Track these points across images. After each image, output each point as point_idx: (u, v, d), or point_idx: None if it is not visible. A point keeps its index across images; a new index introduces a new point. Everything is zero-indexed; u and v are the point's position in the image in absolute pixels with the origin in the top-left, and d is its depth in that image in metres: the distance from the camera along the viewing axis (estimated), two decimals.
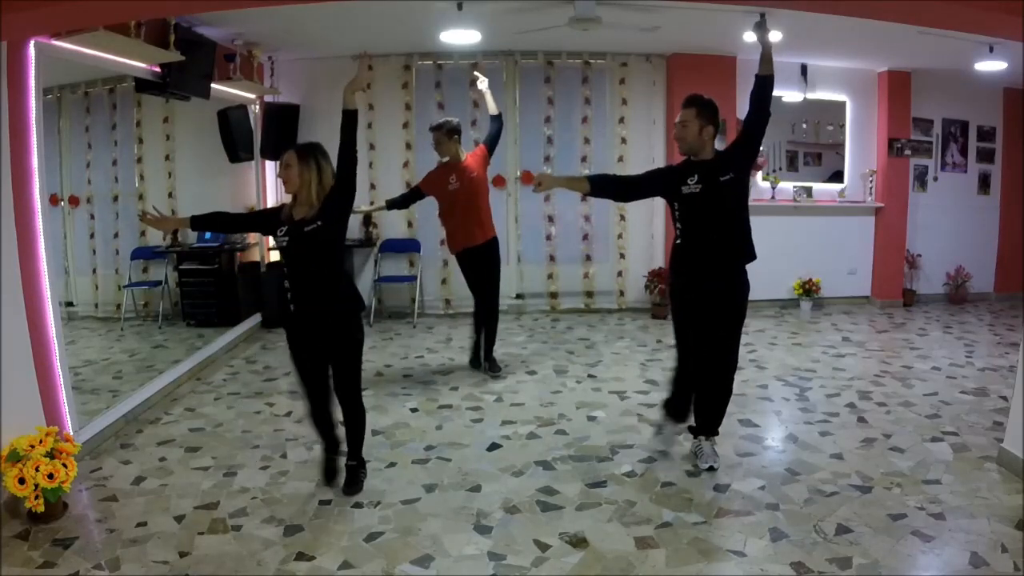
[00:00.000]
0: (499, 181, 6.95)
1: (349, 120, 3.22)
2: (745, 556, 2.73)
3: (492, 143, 4.93)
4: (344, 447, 3.38)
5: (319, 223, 3.08)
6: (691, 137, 3.32)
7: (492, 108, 4.95)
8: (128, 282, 5.45)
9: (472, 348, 5.23)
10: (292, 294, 3.15)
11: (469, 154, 4.87)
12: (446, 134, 4.73)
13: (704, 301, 3.37)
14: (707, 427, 3.53)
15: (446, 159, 4.80)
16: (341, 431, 3.38)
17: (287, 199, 3.22)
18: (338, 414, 3.36)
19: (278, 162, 3.20)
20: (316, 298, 3.14)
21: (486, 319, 5.02)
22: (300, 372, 3.32)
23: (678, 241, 3.42)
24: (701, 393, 3.51)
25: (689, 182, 3.30)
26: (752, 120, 3.38)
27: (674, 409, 3.73)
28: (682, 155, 3.42)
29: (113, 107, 5.11)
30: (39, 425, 3.24)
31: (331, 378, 3.28)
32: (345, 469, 3.37)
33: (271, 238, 3.25)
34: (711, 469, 3.44)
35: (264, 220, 3.34)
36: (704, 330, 3.38)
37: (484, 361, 5.08)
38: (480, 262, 4.92)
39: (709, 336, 3.37)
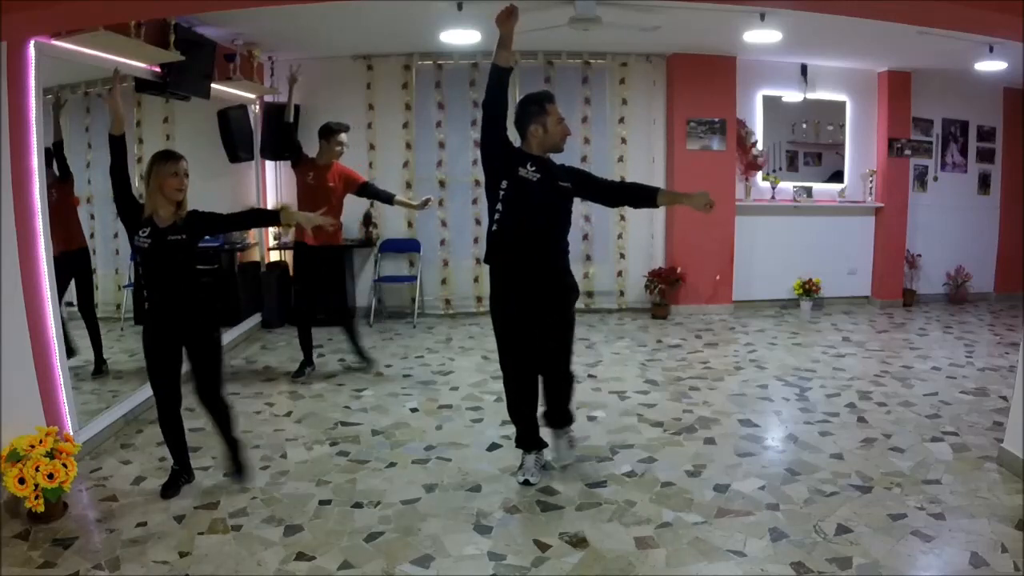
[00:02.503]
0: None
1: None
2: (745, 556, 2.73)
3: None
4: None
5: (183, 236, 3.15)
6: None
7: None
8: (128, 282, 5.44)
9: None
10: (148, 295, 3.20)
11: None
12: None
13: None
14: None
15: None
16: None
17: (158, 202, 3.15)
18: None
19: (175, 168, 3.13)
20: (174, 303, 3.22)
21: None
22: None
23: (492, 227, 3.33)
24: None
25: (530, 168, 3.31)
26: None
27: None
28: (555, 153, 3.36)
29: None
30: (39, 425, 3.24)
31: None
32: (232, 461, 3.42)
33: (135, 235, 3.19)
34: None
35: (132, 208, 3.21)
36: None
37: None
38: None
39: None
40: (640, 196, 3.34)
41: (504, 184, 3.21)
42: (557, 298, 3.31)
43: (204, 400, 3.32)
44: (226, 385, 3.41)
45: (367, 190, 5.06)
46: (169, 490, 3.29)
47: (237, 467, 3.41)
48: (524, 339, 3.29)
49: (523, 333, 3.29)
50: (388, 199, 5.11)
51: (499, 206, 3.21)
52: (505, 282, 3.28)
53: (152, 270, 3.17)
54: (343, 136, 4.89)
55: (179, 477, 3.37)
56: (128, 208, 3.21)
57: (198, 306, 3.26)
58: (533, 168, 3.21)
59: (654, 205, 3.29)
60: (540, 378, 3.40)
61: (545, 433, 3.51)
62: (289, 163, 4.97)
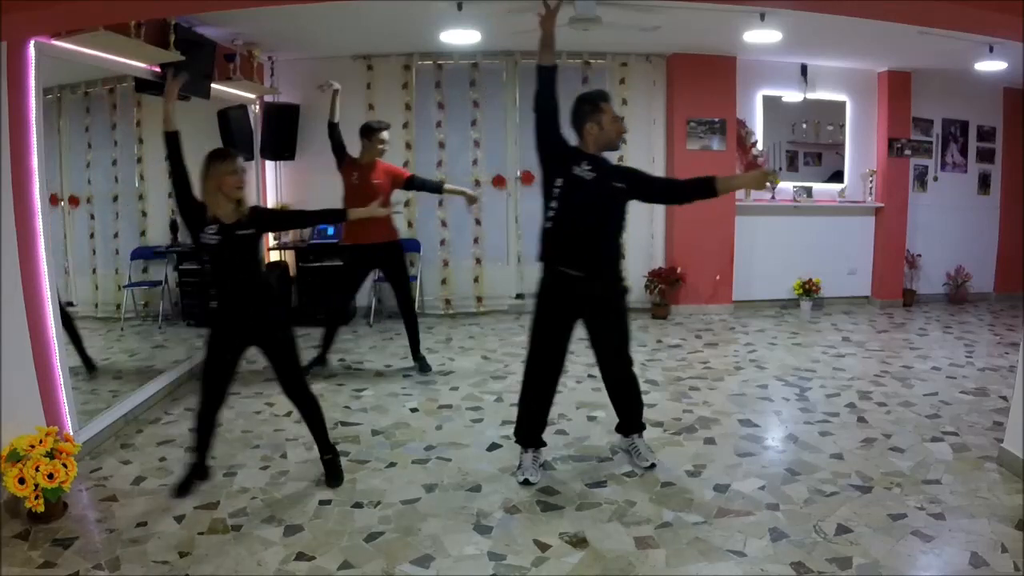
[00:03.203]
0: (499, 181, 6.96)
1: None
2: (745, 556, 2.73)
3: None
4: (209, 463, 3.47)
5: (252, 230, 3.18)
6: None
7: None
8: (128, 282, 5.44)
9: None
10: (218, 293, 3.19)
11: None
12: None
13: None
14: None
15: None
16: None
17: (219, 202, 3.14)
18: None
19: (232, 166, 3.13)
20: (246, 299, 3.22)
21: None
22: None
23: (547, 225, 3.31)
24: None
25: (586, 167, 3.30)
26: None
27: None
28: (610, 150, 3.36)
29: (113, 107, 5.10)
30: (39, 425, 3.24)
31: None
32: (325, 463, 3.43)
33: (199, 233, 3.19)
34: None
35: (195, 206, 3.20)
36: None
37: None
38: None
39: None
40: (699, 189, 3.25)
41: (559, 182, 3.22)
42: (605, 300, 3.33)
43: (292, 395, 3.35)
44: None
45: (414, 183, 5.09)
46: (183, 489, 3.30)
47: (331, 471, 3.42)
48: (560, 338, 3.32)
49: (561, 332, 3.32)
50: (437, 188, 5.19)
51: (553, 203, 3.22)
52: (553, 278, 3.28)
53: (221, 267, 3.16)
54: (384, 134, 4.89)
55: (195, 475, 3.38)
56: (190, 206, 3.19)
57: (268, 301, 3.28)
58: (588, 167, 3.22)
59: (715, 194, 3.22)
60: (606, 387, 3.53)
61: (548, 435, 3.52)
62: (335, 165, 4.95)
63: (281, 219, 3.40)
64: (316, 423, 3.41)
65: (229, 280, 3.19)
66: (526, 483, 3.34)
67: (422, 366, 5.14)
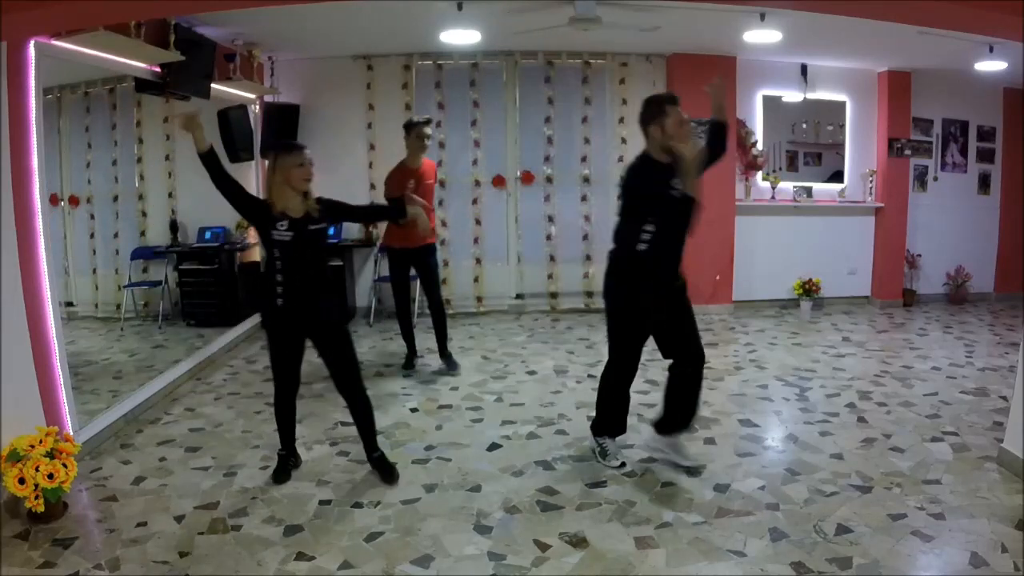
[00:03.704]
0: (499, 181, 6.96)
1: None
2: (745, 556, 2.73)
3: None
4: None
5: (323, 224, 3.21)
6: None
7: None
8: (128, 282, 5.44)
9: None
10: (284, 290, 3.19)
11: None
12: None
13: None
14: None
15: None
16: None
17: (287, 195, 3.16)
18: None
19: (300, 159, 3.14)
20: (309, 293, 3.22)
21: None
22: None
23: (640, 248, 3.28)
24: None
25: (676, 185, 3.25)
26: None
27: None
28: (672, 154, 3.31)
29: (113, 107, 5.11)
30: (39, 425, 3.25)
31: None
32: (374, 462, 3.45)
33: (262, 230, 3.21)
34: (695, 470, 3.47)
35: (256, 206, 3.23)
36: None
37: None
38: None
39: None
40: (715, 138, 3.54)
41: (656, 206, 3.25)
42: (683, 299, 3.46)
43: (346, 391, 3.37)
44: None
45: None
46: (281, 475, 3.36)
47: (383, 469, 3.43)
48: (646, 335, 3.46)
49: (649, 330, 3.47)
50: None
51: (650, 227, 3.25)
52: (649, 287, 3.34)
53: (293, 262, 3.16)
54: (427, 128, 4.82)
55: (287, 462, 3.43)
56: (251, 207, 3.21)
57: (332, 296, 3.32)
58: (677, 182, 3.24)
59: (724, 130, 3.47)
60: (676, 385, 3.55)
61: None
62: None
63: (346, 211, 3.40)
64: (367, 421, 3.42)
65: (299, 275, 3.18)
66: (623, 466, 3.48)
67: (450, 364, 5.17)
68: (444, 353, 5.19)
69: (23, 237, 3.29)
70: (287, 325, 3.27)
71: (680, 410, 3.53)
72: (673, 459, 3.53)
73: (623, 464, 3.51)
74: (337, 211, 3.31)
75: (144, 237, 5.59)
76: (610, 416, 3.59)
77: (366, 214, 3.82)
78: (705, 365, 3.55)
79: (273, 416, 4.27)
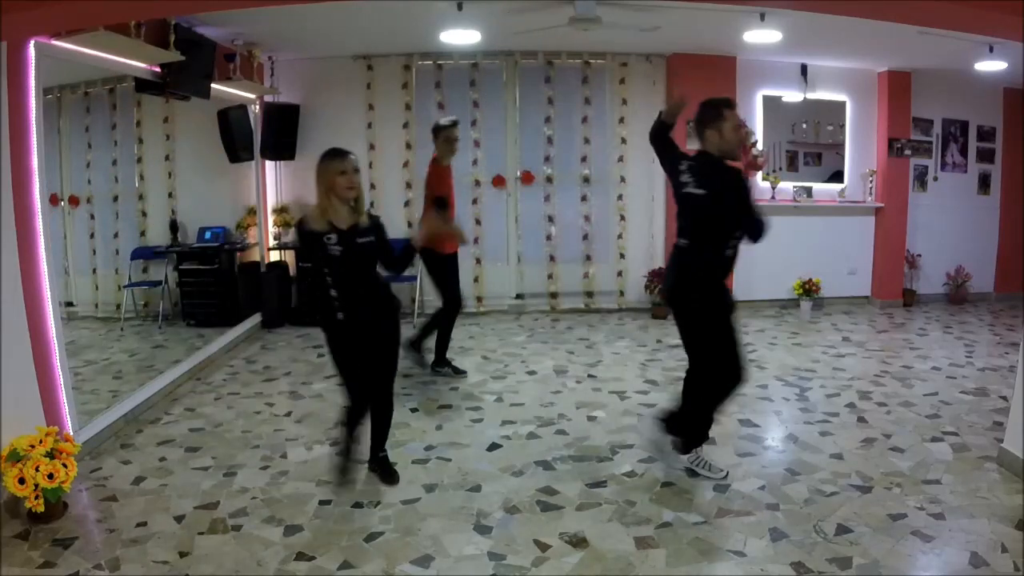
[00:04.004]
0: (499, 181, 6.96)
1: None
2: (745, 556, 2.73)
3: None
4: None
5: (372, 238, 3.11)
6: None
7: None
8: (128, 282, 5.44)
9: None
10: (342, 304, 3.12)
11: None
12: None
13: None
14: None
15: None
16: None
17: (333, 206, 3.04)
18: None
19: (342, 166, 3.01)
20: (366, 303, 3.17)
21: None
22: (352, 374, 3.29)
23: (727, 252, 3.27)
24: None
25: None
26: None
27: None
28: (731, 159, 3.29)
29: (113, 107, 5.10)
30: (39, 425, 3.24)
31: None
32: (378, 462, 3.44)
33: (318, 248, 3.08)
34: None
35: (310, 242, 3.07)
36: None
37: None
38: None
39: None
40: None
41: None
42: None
43: (378, 396, 3.32)
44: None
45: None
46: (344, 477, 3.33)
47: (384, 470, 3.44)
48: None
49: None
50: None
51: (737, 234, 3.23)
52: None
53: (345, 276, 3.08)
54: (456, 130, 4.77)
55: (350, 467, 3.38)
56: (304, 243, 3.12)
57: (388, 308, 3.24)
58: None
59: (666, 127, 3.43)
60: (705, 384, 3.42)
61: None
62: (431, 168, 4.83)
63: (384, 249, 3.20)
64: (384, 426, 3.41)
65: (354, 289, 3.10)
66: (727, 475, 3.37)
67: (455, 369, 5.12)
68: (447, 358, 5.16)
69: (23, 237, 3.29)
70: (352, 338, 3.17)
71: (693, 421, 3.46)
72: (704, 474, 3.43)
73: (727, 473, 3.39)
74: (382, 236, 3.19)
75: (144, 237, 5.59)
76: (702, 428, 3.45)
77: (394, 264, 3.30)
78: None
79: (272, 416, 4.30)
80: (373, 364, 3.24)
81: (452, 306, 5.02)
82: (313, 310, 3.20)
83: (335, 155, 3.04)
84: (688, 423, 3.44)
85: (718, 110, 3.21)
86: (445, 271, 4.96)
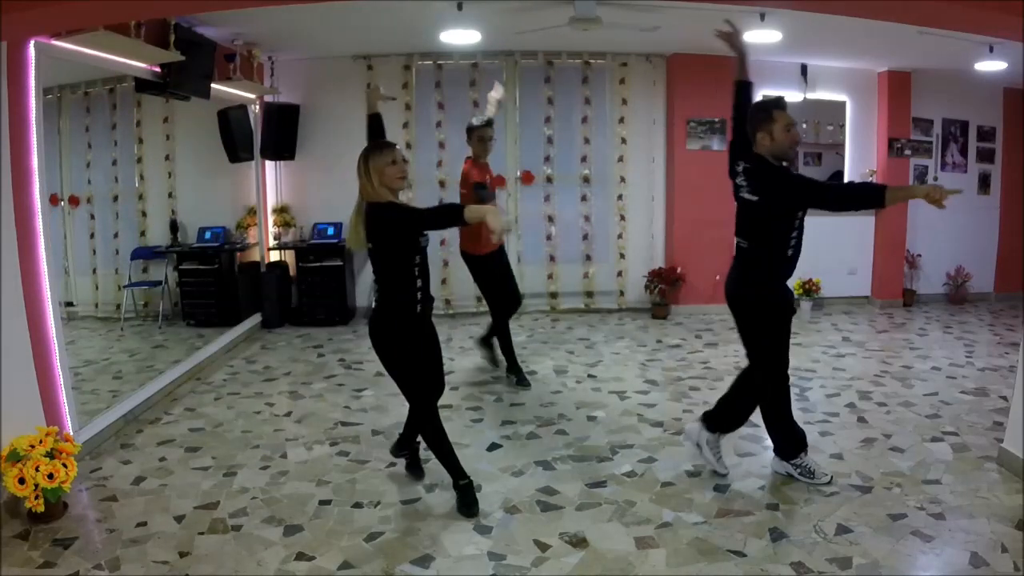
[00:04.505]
0: (499, 181, 6.95)
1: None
2: (745, 556, 2.73)
3: None
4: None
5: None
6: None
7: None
8: (128, 282, 5.44)
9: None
10: (422, 295, 3.10)
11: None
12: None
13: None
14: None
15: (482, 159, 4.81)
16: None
17: (390, 196, 2.98)
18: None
19: (391, 156, 2.99)
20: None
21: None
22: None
23: (789, 252, 3.31)
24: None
25: None
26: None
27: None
28: (784, 161, 3.26)
29: (113, 107, 5.10)
30: (39, 425, 3.25)
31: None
32: (415, 452, 3.48)
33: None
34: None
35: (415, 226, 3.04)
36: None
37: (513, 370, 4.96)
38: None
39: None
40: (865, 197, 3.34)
41: (801, 212, 3.23)
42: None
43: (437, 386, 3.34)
44: None
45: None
46: (414, 470, 3.42)
47: (413, 461, 3.47)
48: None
49: None
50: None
51: (794, 234, 3.29)
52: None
53: (425, 267, 3.09)
54: (489, 130, 4.76)
55: (413, 457, 3.45)
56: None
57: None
58: None
59: (882, 205, 3.12)
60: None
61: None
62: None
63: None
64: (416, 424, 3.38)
65: (427, 277, 3.11)
66: (831, 481, 3.30)
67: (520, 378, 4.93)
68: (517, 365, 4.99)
69: (23, 237, 3.29)
70: (424, 326, 3.16)
71: (731, 409, 3.46)
72: (708, 460, 3.45)
73: (832, 479, 3.31)
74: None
75: (144, 237, 5.59)
76: (792, 432, 3.37)
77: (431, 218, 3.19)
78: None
79: (272, 416, 4.30)
80: (439, 355, 3.29)
81: (498, 310, 4.97)
82: (392, 306, 3.04)
83: (383, 147, 3.02)
84: (775, 432, 3.41)
85: (767, 112, 3.17)
86: (484, 274, 4.97)
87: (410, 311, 3.06)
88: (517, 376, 4.88)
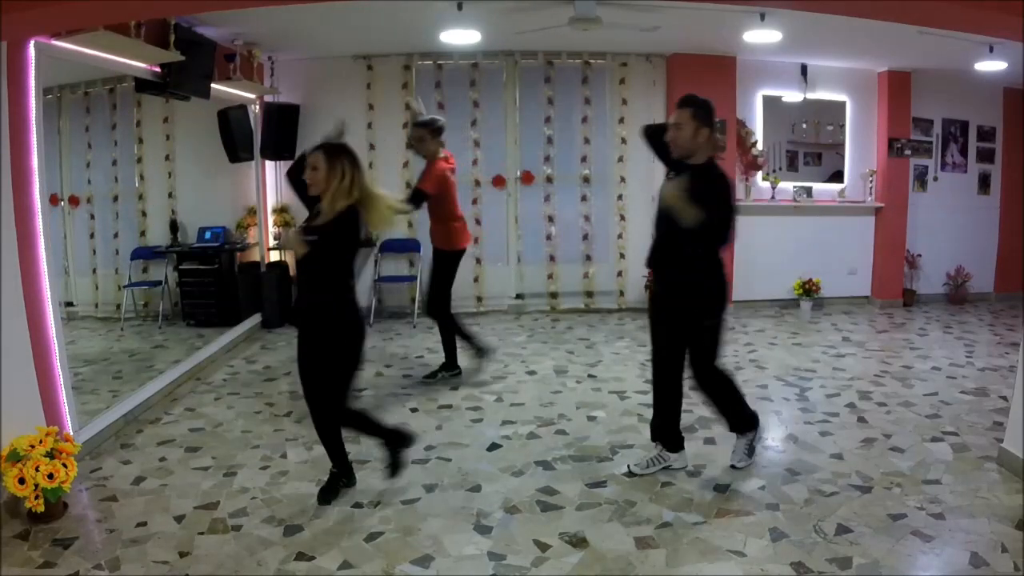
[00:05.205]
0: (499, 181, 6.96)
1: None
2: (745, 556, 2.73)
3: None
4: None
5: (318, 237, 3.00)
6: (685, 140, 3.22)
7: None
8: (128, 282, 5.45)
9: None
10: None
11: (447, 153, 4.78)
12: (433, 132, 4.64)
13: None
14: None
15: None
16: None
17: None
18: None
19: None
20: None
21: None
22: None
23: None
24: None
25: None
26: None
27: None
28: (675, 158, 3.32)
29: (113, 107, 5.11)
30: (39, 425, 3.24)
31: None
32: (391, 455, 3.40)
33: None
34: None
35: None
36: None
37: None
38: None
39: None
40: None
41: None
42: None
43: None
44: None
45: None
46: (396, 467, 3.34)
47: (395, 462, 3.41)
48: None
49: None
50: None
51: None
52: None
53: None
54: (417, 131, 4.73)
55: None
56: None
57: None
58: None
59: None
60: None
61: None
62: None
63: None
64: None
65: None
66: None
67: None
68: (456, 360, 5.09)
69: (23, 237, 3.29)
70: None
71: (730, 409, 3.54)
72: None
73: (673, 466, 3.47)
74: None
75: (144, 237, 5.60)
76: (741, 410, 3.52)
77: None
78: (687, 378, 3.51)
79: (272, 416, 4.30)
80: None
81: (436, 306, 4.96)
82: (342, 312, 3.12)
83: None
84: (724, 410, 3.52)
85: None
86: (448, 270, 4.97)
87: (357, 316, 3.24)
88: (448, 370, 4.99)
